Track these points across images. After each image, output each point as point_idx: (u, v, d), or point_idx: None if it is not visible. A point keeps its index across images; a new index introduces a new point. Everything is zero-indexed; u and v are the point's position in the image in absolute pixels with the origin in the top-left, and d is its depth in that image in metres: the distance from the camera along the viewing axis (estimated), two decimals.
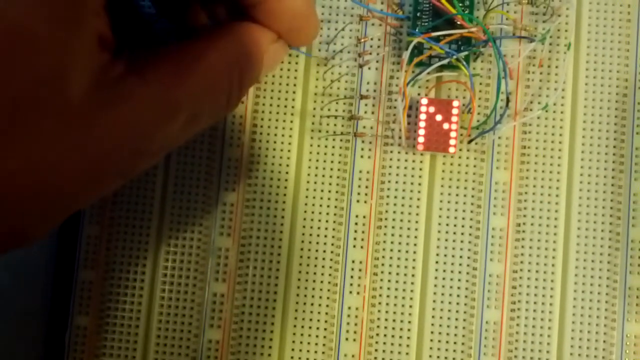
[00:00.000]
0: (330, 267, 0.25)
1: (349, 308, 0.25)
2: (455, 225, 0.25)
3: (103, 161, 0.17)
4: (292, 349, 0.24)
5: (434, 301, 0.24)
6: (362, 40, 0.25)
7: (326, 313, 0.25)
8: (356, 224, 0.25)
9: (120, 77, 0.18)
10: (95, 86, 0.17)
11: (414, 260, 0.25)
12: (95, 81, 0.17)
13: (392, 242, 0.25)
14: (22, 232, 0.17)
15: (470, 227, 0.25)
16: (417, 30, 0.25)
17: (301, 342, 0.25)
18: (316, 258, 0.25)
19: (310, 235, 0.25)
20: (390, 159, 0.25)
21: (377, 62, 0.25)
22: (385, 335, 0.24)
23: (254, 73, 0.22)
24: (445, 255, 0.25)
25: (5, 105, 0.16)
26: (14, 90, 0.16)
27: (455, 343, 0.24)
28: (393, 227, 0.25)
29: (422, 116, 0.24)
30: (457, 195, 0.25)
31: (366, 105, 0.25)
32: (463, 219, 0.25)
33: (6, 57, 0.15)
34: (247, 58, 0.22)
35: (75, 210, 0.18)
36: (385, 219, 0.25)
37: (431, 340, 0.24)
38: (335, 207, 0.25)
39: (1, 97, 0.15)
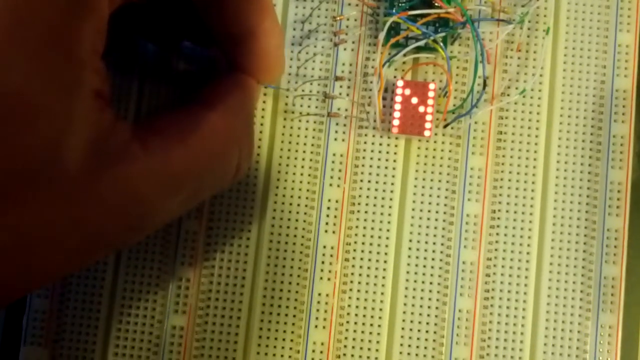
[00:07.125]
0: (301, 253, 0.24)
1: (319, 294, 0.24)
2: (429, 211, 0.24)
3: (96, 236, 0.16)
4: (260, 336, 0.24)
5: (406, 288, 0.24)
6: (338, 18, 0.25)
7: (295, 299, 0.24)
8: (328, 208, 0.24)
9: (123, 144, 0.17)
10: (93, 154, 0.16)
11: (386, 246, 0.24)
12: (95, 148, 0.16)
13: (364, 228, 0.24)
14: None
15: (445, 213, 0.24)
16: (394, 10, 0.24)
17: (269, 329, 0.24)
18: (286, 243, 0.24)
19: (281, 219, 0.24)
20: (365, 142, 0.24)
21: (353, 42, 0.25)
22: (355, 323, 0.24)
23: (253, 135, 0.22)
24: (418, 242, 0.24)
25: None
26: (8, 162, 0.14)
27: (427, 331, 0.24)
28: (366, 212, 0.24)
29: (398, 98, 0.24)
30: (431, 180, 0.24)
31: (341, 86, 0.25)
32: (437, 204, 0.24)
33: (2, 128, 0.14)
34: (249, 126, 0.21)
35: (58, 279, 0.17)
36: (358, 203, 0.24)
37: (402, 328, 0.24)
38: (308, 190, 0.24)
39: None
